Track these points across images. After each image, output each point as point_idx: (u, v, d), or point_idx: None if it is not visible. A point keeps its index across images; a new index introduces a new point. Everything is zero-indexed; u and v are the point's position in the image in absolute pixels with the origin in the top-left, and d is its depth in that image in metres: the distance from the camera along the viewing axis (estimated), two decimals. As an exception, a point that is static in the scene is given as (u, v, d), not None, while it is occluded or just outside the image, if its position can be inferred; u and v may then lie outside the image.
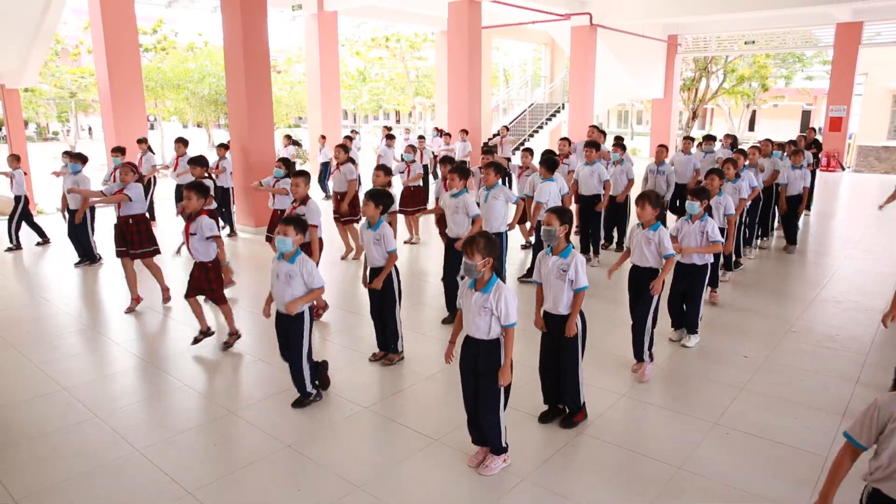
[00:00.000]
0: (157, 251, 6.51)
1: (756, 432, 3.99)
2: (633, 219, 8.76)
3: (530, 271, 7.28)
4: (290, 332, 4.25)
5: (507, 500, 3.36)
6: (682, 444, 3.86)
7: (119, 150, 8.93)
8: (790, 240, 8.82)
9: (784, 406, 4.35)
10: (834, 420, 4.14)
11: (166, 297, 6.57)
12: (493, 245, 3.45)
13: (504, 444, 3.59)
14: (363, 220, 4.95)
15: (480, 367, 3.50)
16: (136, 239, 6.31)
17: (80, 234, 8.13)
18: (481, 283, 3.47)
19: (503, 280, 3.53)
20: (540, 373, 4.12)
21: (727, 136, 10.87)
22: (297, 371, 4.29)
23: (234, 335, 5.48)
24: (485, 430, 3.57)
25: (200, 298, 5.47)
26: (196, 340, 5.43)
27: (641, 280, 4.71)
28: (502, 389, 3.52)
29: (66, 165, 9.04)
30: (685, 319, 5.44)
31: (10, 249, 8.99)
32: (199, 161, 7.16)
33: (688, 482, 3.50)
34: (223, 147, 10.11)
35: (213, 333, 5.50)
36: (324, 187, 14.51)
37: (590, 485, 3.52)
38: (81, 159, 8.33)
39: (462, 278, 3.82)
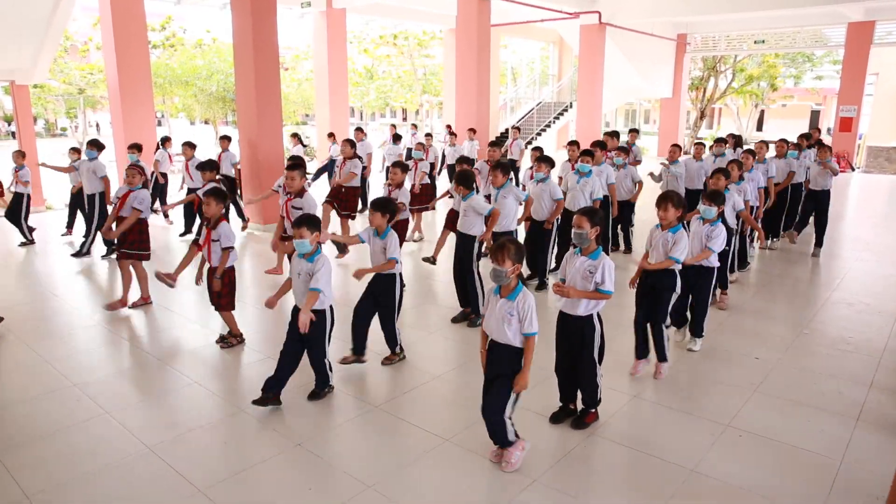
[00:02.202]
0: (147, 256, 6.38)
1: (769, 435, 3.96)
2: (637, 221, 8.87)
3: (531, 276, 7.17)
4: (314, 330, 4.20)
5: (518, 501, 3.35)
6: (694, 446, 3.84)
7: (136, 147, 8.92)
8: (818, 241, 8.72)
9: (797, 409, 4.32)
10: (848, 424, 4.11)
11: (139, 304, 6.38)
12: (522, 252, 3.44)
13: (512, 438, 3.57)
14: (370, 227, 4.83)
15: (499, 370, 3.51)
16: (129, 238, 6.19)
17: (99, 221, 8.17)
18: (507, 290, 3.45)
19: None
20: (556, 373, 4.13)
21: (730, 135, 10.74)
22: (320, 363, 4.34)
23: (236, 337, 5.43)
24: (489, 427, 3.57)
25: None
26: (228, 344, 5.42)
27: (659, 281, 4.64)
28: (512, 394, 3.50)
29: (74, 162, 9.11)
30: (692, 323, 5.35)
31: (23, 244, 9.12)
32: (209, 165, 7.05)
33: (701, 485, 3.47)
34: (226, 139, 10.23)
35: (244, 341, 5.50)
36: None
37: (602, 487, 3.50)
38: (98, 146, 8.39)
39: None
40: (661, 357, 4.76)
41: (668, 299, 4.67)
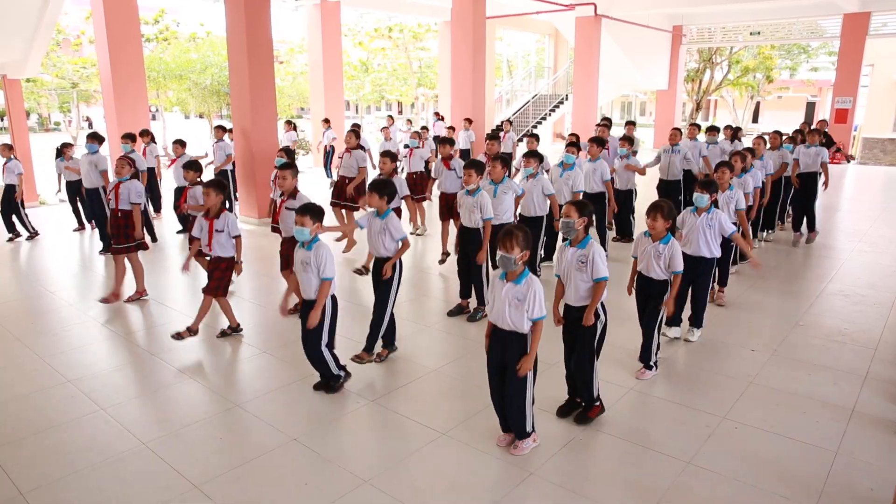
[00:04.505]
0: (144, 246, 6.42)
1: (764, 427, 3.97)
2: (638, 215, 8.89)
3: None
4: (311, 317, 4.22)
5: (515, 494, 3.35)
6: (690, 439, 3.84)
7: (129, 137, 8.85)
8: (810, 226, 8.78)
9: (793, 400, 4.33)
10: (843, 415, 4.11)
11: (134, 299, 6.38)
12: (529, 238, 3.44)
13: (529, 430, 3.65)
14: (370, 209, 4.86)
15: (507, 358, 3.52)
16: (122, 233, 6.20)
17: (100, 215, 8.12)
18: (513, 276, 3.46)
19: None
20: (565, 364, 4.12)
21: (727, 127, 10.82)
22: (317, 358, 4.28)
23: (235, 328, 5.50)
24: (509, 418, 3.62)
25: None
26: (224, 334, 5.46)
27: (653, 289, 4.61)
28: (529, 378, 3.53)
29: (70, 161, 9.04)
30: (692, 314, 5.37)
31: (29, 237, 9.11)
32: (193, 166, 6.87)
33: (697, 477, 3.47)
34: (221, 129, 10.16)
35: (241, 330, 5.54)
36: (328, 172, 14.53)
37: (599, 479, 3.50)
38: (98, 139, 8.34)
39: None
40: (645, 361, 4.72)
41: (659, 310, 4.62)
